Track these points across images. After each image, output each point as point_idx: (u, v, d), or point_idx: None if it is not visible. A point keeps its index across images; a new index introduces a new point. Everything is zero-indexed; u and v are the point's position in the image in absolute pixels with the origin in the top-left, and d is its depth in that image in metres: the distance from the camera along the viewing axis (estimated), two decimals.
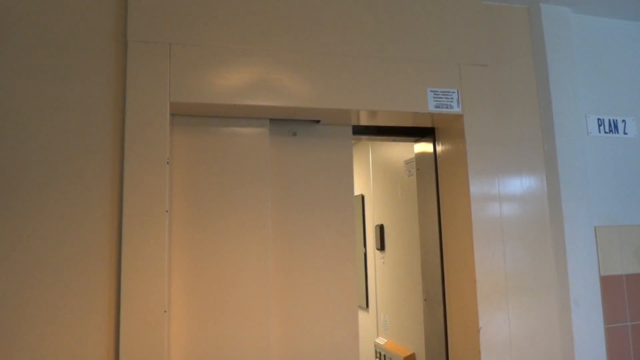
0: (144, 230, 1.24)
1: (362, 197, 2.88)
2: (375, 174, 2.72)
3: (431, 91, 1.50)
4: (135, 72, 1.29)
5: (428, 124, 1.70)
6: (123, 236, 1.23)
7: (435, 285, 1.72)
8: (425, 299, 1.81)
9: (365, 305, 2.76)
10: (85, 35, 1.30)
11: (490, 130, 1.56)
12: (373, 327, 2.66)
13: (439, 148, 1.71)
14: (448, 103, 1.52)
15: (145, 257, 1.23)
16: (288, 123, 1.57)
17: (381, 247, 2.55)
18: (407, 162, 2.28)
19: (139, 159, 1.27)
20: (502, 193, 1.57)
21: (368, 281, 2.74)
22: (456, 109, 1.53)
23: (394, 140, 1.88)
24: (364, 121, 1.62)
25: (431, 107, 1.50)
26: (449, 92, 1.52)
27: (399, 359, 2.15)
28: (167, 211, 1.26)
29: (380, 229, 2.56)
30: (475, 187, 1.52)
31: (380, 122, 1.65)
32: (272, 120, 1.52)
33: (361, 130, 1.73)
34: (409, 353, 2.12)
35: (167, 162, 1.28)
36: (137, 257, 1.23)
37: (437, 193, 1.72)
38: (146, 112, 1.28)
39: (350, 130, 1.63)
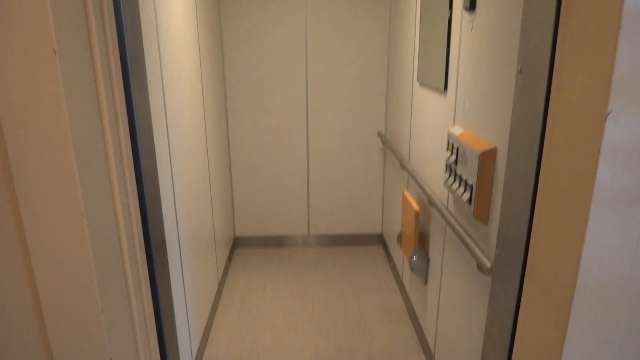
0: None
1: None
2: None
3: None
4: None
5: None
6: None
7: (539, 48, 1.06)
8: (520, 71, 1.17)
9: (443, 87, 2.15)
10: None
11: None
12: (449, 114, 2.09)
13: None
14: None
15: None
16: None
17: (471, 5, 1.80)
18: None
19: None
20: None
21: (450, 55, 2.07)
22: None
23: None
24: None
25: None
26: None
27: (474, 154, 1.63)
28: (55, 52, 0.70)
29: None
30: None
31: None
32: None
33: None
34: (488, 147, 1.58)
35: None
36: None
37: None
38: None
39: None
